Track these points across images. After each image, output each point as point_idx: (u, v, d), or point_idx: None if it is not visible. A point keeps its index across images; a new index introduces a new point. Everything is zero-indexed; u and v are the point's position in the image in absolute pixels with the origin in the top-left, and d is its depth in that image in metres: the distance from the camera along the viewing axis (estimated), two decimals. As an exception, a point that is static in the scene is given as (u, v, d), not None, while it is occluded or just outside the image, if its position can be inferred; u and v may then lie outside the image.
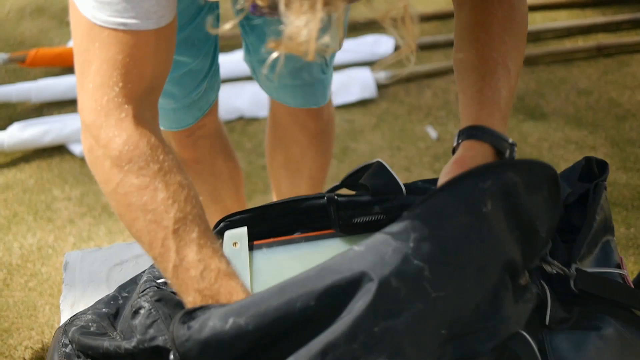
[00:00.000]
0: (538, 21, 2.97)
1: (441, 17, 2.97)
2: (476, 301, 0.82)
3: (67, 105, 2.51)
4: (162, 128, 1.42)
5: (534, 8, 3.02)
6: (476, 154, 0.91)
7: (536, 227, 0.89)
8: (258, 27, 1.31)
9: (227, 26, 0.76)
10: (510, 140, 0.91)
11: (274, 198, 1.81)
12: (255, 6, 0.70)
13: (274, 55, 0.69)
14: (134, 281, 1.00)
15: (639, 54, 2.77)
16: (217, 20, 1.30)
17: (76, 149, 2.33)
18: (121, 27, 0.83)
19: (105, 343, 0.87)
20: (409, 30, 0.69)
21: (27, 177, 2.28)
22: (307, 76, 1.39)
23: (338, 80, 2.45)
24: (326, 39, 0.67)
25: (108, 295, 0.99)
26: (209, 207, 1.66)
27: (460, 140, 0.93)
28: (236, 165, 1.67)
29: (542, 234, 0.90)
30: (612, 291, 0.95)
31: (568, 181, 1.05)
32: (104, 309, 0.96)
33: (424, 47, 2.83)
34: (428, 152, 2.32)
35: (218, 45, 1.34)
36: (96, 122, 0.85)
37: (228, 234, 1.00)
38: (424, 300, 0.77)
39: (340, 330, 0.75)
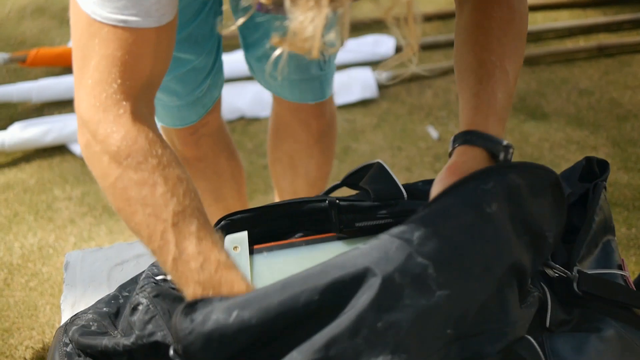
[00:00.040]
0: (539, 21, 2.97)
1: (442, 17, 2.97)
2: (482, 302, 0.82)
3: (67, 105, 2.51)
4: (165, 125, 1.42)
5: (535, 8, 3.02)
6: (468, 158, 0.91)
7: (544, 234, 0.89)
8: (261, 24, 1.31)
9: (238, 23, 0.77)
10: (505, 143, 0.90)
11: (276, 197, 1.81)
12: (261, 4, 0.71)
13: (277, 52, 0.69)
14: (134, 281, 1.00)
15: (640, 54, 2.78)
16: (219, 21, 1.30)
17: (77, 148, 2.33)
18: (121, 24, 0.84)
19: (104, 341, 0.87)
20: (411, 30, 0.70)
21: (27, 176, 2.28)
22: (304, 72, 1.39)
23: (339, 80, 2.45)
24: (331, 35, 0.67)
25: (109, 294, 0.99)
26: (211, 205, 1.66)
27: (455, 146, 0.93)
28: (238, 164, 1.67)
29: (550, 240, 0.90)
30: (613, 293, 0.95)
31: (568, 181, 1.05)
32: (104, 308, 0.96)
33: (425, 47, 2.83)
34: (429, 152, 2.32)
35: (221, 43, 1.34)
36: (94, 118, 0.85)
37: (229, 238, 1.00)
38: (428, 298, 0.77)
39: (343, 324, 0.75)
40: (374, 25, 2.87)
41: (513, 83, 0.96)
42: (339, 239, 1.03)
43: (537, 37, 2.86)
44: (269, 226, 1.05)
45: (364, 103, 2.55)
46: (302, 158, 1.62)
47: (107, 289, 1.27)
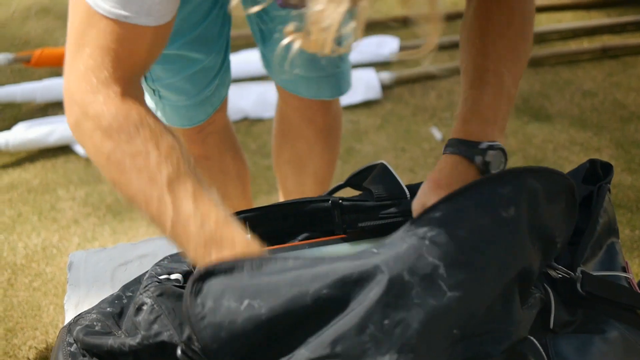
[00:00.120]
0: (543, 22, 2.97)
1: (445, 18, 2.96)
2: (489, 302, 0.82)
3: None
4: (174, 126, 1.42)
5: (539, 9, 3.02)
6: (443, 167, 0.92)
7: (555, 239, 0.89)
8: (279, 17, 1.32)
9: (254, 9, 0.79)
10: (484, 145, 0.90)
11: (280, 195, 1.81)
12: None
13: (285, 41, 0.69)
14: (138, 281, 1.00)
15: (644, 55, 2.77)
16: (228, 20, 1.30)
17: (81, 149, 2.34)
18: (121, 19, 0.85)
19: (110, 341, 0.87)
20: (434, 27, 0.70)
21: (31, 177, 2.28)
22: (322, 68, 1.40)
23: (342, 81, 2.45)
24: (347, 29, 0.67)
25: (112, 294, 0.99)
26: None
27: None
28: (244, 163, 1.67)
29: (558, 245, 0.90)
30: (617, 294, 0.95)
31: (572, 183, 1.05)
32: (108, 309, 0.96)
33: (429, 48, 2.82)
34: (432, 154, 2.32)
35: (230, 42, 1.35)
36: (84, 100, 0.86)
37: None
38: (438, 298, 0.77)
39: (350, 321, 0.75)
40: (378, 26, 2.87)
41: (511, 84, 0.95)
42: (343, 240, 1.03)
43: (540, 38, 2.86)
44: (273, 226, 1.05)
45: (367, 104, 2.55)
46: (310, 156, 1.62)
47: (110, 289, 1.27)
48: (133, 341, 0.86)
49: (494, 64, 0.94)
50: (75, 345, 0.91)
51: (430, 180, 0.91)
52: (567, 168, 1.09)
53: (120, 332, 0.92)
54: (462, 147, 0.91)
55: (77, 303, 1.29)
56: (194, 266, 0.94)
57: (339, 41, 0.68)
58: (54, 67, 2.64)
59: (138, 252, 1.40)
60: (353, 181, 1.11)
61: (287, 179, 1.73)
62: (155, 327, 0.86)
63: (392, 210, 1.02)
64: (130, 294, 0.99)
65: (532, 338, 0.86)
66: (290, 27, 0.69)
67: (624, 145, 2.34)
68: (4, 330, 1.77)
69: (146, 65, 0.92)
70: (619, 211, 2.05)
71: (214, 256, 0.82)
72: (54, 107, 2.53)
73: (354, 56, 2.68)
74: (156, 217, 0.84)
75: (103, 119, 0.85)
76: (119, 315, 0.95)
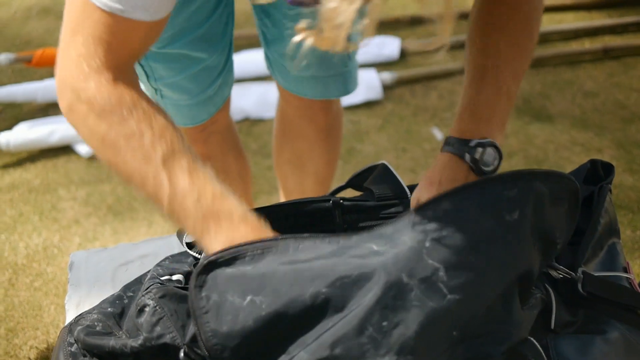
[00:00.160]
0: (544, 23, 2.96)
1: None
2: (489, 304, 0.82)
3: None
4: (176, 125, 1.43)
5: (540, 10, 3.02)
6: (436, 164, 0.93)
7: (556, 240, 0.89)
8: (286, 17, 1.32)
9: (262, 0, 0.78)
10: (474, 143, 0.91)
11: (281, 195, 1.81)
12: None
13: (297, 39, 0.69)
14: (139, 281, 1.00)
15: (646, 56, 2.77)
16: (231, 19, 1.30)
17: (82, 149, 2.34)
18: (117, 12, 0.85)
19: (111, 342, 0.87)
20: (447, 25, 0.70)
21: (32, 177, 2.28)
22: (329, 69, 1.40)
23: (344, 81, 2.45)
24: (359, 27, 0.67)
25: (113, 294, 0.99)
26: None
27: None
28: (246, 162, 1.68)
29: (559, 246, 0.90)
30: (618, 295, 0.95)
31: (573, 184, 1.05)
32: (109, 309, 0.96)
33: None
34: (433, 154, 2.32)
35: (233, 41, 1.35)
36: (76, 86, 0.87)
37: None
38: (438, 301, 0.77)
39: (349, 322, 0.76)
40: (379, 27, 2.87)
41: (512, 81, 0.95)
42: None
43: (542, 38, 2.85)
44: (273, 226, 1.04)
45: (368, 104, 2.55)
46: (311, 156, 1.62)
47: (111, 289, 1.27)
48: (135, 343, 0.86)
49: (493, 60, 0.94)
50: (76, 345, 0.91)
51: (424, 177, 0.93)
52: (568, 168, 1.09)
53: (121, 332, 0.92)
54: (455, 145, 0.92)
55: (78, 303, 1.29)
56: (194, 265, 0.95)
57: (349, 38, 0.68)
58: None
59: (139, 252, 1.40)
60: (354, 182, 1.11)
61: (288, 179, 1.73)
62: (158, 329, 0.86)
63: (393, 210, 1.02)
64: (132, 294, 0.98)
65: (532, 339, 0.86)
66: (303, 24, 0.69)
67: (625, 145, 2.34)
68: (5, 330, 1.77)
69: (139, 55, 0.93)
70: (620, 212, 2.05)
71: (213, 230, 0.83)
72: (55, 107, 2.52)
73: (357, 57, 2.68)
74: (153, 195, 0.85)
75: (96, 103, 0.86)
76: (120, 315, 0.95)
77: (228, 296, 0.78)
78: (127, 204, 2.16)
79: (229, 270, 0.79)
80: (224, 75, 1.36)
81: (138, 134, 0.85)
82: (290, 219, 1.05)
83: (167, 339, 0.85)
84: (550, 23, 2.98)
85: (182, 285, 0.93)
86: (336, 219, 1.03)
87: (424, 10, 0.70)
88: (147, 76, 1.27)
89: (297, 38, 0.70)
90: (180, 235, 0.98)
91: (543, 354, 0.85)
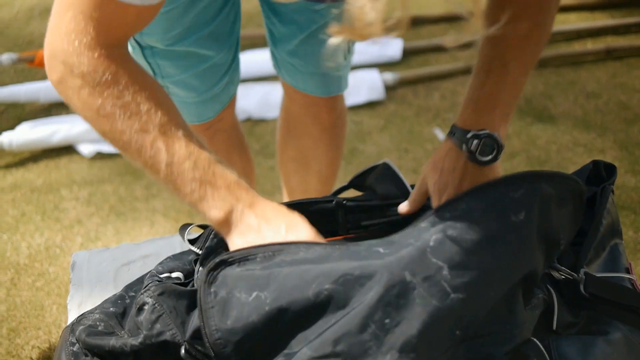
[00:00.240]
0: (547, 24, 2.96)
1: (449, 19, 2.97)
2: (492, 304, 0.82)
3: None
4: None
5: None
6: (440, 150, 0.97)
7: (559, 241, 0.89)
8: (293, 18, 1.32)
9: None
10: (470, 134, 0.93)
11: (284, 193, 1.81)
12: None
13: (335, 40, 0.70)
14: (140, 281, 1.00)
15: (648, 57, 2.77)
16: (239, 18, 1.30)
17: (84, 149, 2.34)
18: None
19: (112, 341, 0.87)
20: (478, 20, 0.71)
21: (35, 176, 2.28)
22: (333, 64, 1.41)
23: (346, 81, 2.45)
24: (391, 20, 0.67)
25: (115, 294, 0.99)
26: None
27: None
28: (250, 162, 1.68)
29: (561, 247, 0.91)
30: (620, 296, 0.95)
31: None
32: (111, 308, 0.96)
33: (432, 50, 2.83)
34: (436, 154, 2.32)
35: (239, 39, 1.35)
36: (69, 60, 0.86)
37: None
38: (441, 299, 0.77)
39: (352, 319, 0.76)
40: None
41: (520, 72, 0.96)
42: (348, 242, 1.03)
43: (544, 39, 2.85)
44: None
45: (370, 105, 2.55)
46: (315, 154, 1.63)
47: (113, 289, 1.27)
48: (135, 341, 0.86)
49: (501, 51, 0.94)
50: (77, 345, 0.91)
51: (431, 160, 0.97)
52: (570, 169, 1.09)
53: (123, 332, 0.92)
54: (457, 134, 0.95)
55: (80, 303, 1.29)
56: (195, 261, 0.95)
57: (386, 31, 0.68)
58: (58, 67, 2.64)
59: (141, 252, 1.40)
60: (356, 182, 1.11)
61: (291, 177, 1.73)
62: (158, 326, 0.86)
63: (396, 209, 1.02)
64: (133, 294, 0.99)
65: (535, 340, 0.86)
66: (334, 27, 0.69)
67: (627, 146, 2.34)
68: (7, 330, 1.77)
69: (131, 34, 0.93)
70: (622, 213, 2.05)
71: (210, 195, 0.86)
72: (57, 107, 2.53)
73: (358, 57, 2.68)
74: (150, 163, 0.87)
75: (90, 77, 0.86)
76: (122, 315, 0.95)
77: (235, 292, 0.79)
78: (129, 204, 2.17)
79: (239, 270, 0.81)
80: (231, 73, 1.37)
81: (134, 105, 0.86)
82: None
83: (167, 336, 0.85)
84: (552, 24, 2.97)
85: (182, 282, 0.94)
86: (339, 219, 1.03)
87: (453, 8, 0.71)
88: (155, 73, 1.28)
89: (334, 39, 0.70)
90: (182, 230, 0.99)
91: (546, 354, 0.85)
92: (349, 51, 1.43)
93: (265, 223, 0.88)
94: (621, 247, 1.03)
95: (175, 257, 0.99)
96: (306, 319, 0.78)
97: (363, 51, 2.70)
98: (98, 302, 1.00)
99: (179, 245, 1.41)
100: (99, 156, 2.34)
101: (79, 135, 2.34)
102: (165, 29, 1.18)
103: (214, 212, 0.87)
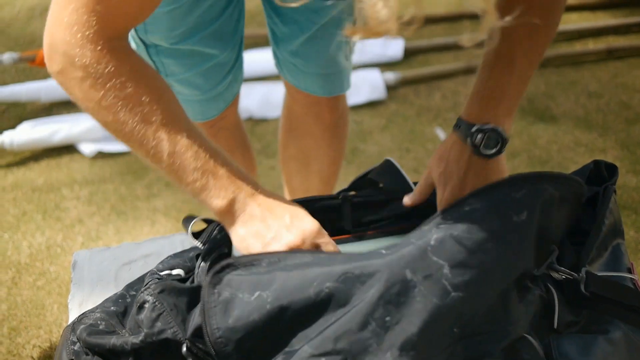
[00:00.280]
0: (548, 23, 2.96)
1: (450, 19, 2.96)
2: (490, 303, 0.82)
3: (76, 105, 2.52)
4: None
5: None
6: (446, 142, 0.98)
7: (554, 239, 0.90)
8: (294, 18, 1.32)
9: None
10: (474, 129, 0.93)
11: (285, 193, 1.82)
12: None
13: (355, 39, 0.70)
14: (141, 280, 1.00)
15: (650, 56, 2.77)
16: (243, 16, 1.31)
17: (86, 148, 2.34)
18: None
19: (113, 340, 0.87)
20: (491, 17, 0.70)
21: (36, 176, 2.28)
22: (335, 64, 1.41)
23: (347, 81, 2.45)
24: (407, 17, 0.67)
25: (116, 293, 0.99)
26: None
27: None
28: (252, 160, 1.69)
29: (556, 244, 0.91)
30: (622, 295, 0.95)
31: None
32: (112, 307, 0.96)
33: (433, 49, 2.82)
34: (437, 154, 2.32)
35: (243, 38, 1.36)
36: (70, 52, 0.86)
37: None
38: (442, 297, 0.78)
39: (353, 317, 0.76)
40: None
41: (526, 65, 0.97)
42: (354, 240, 1.03)
43: (546, 39, 2.85)
44: None
45: (372, 104, 2.55)
46: (317, 154, 1.63)
47: (114, 288, 1.27)
48: (136, 339, 0.86)
49: (507, 45, 0.94)
50: (78, 344, 0.91)
51: (437, 151, 0.98)
52: (571, 169, 1.09)
53: (124, 331, 0.92)
54: (462, 127, 0.96)
55: (81, 302, 1.29)
56: (196, 257, 0.95)
57: (402, 27, 0.68)
58: (59, 67, 2.64)
59: (142, 252, 1.40)
60: (358, 184, 1.12)
61: (293, 177, 1.74)
62: (158, 324, 0.86)
63: (401, 205, 1.03)
64: (134, 293, 0.99)
65: (529, 337, 0.86)
66: (349, 28, 0.70)
67: (629, 146, 2.34)
68: (8, 329, 1.77)
69: (132, 27, 0.93)
70: (624, 212, 2.05)
71: (212, 184, 0.87)
72: (58, 107, 2.53)
73: (359, 57, 2.68)
74: (152, 153, 0.87)
75: (93, 69, 0.86)
76: (123, 314, 0.95)
77: (239, 293, 0.79)
78: (130, 203, 2.17)
79: (244, 273, 0.81)
80: (234, 72, 1.37)
81: (136, 97, 0.86)
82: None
83: (168, 334, 0.85)
84: (554, 23, 2.97)
85: (182, 278, 0.94)
86: (345, 216, 1.04)
87: (466, 6, 0.71)
88: (159, 71, 1.28)
89: (354, 38, 0.71)
90: (186, 222, 0.99)
91: (540, 351, 0.86)
92: (350, 51, 1.43)
93: (269, 213, 0.88)
94: (623, 247, 1.03)
95: (176, 255, 0.99)
96: (307, 317, 0.78)
97: (364, 51, 2.70)
98: (99, 301, 1.00)
99: (180, 244, 1.41)
100: (100, 155, 2.34)
101: (80, 134, 2.34)
102: (169, 28, 1.19)
103: (216, 201, 0.87)
